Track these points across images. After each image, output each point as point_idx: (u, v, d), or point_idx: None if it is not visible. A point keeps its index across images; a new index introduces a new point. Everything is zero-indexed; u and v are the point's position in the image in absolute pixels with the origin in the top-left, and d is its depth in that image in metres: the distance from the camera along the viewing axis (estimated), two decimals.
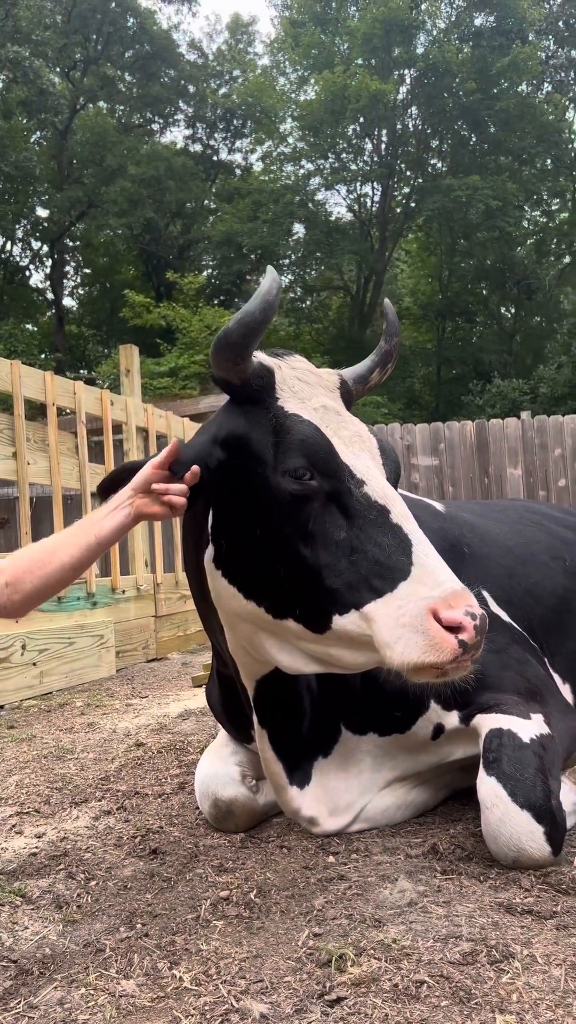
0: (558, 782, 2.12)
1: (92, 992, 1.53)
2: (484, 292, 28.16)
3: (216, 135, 29.47)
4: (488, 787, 1.99)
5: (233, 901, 1.88)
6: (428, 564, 1.69)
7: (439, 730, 2.26)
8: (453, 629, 1.59)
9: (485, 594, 2.58)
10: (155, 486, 1.82)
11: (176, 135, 42.97)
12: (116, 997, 1.51)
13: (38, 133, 26.26)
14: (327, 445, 1.78)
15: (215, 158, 29.59)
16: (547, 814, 1.97)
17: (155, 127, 28.57)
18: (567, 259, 28.33)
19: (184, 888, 1.98)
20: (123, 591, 5.95)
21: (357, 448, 1.82)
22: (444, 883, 1.92)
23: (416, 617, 1.62)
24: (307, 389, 1.88)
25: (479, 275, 27.30)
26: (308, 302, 30.17)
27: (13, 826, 2.49)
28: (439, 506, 2.85)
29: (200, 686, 4.70)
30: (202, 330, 17.75)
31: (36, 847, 2.30)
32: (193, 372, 16.56)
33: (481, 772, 2.03)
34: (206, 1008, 1.46)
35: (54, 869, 2.12)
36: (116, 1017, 1.45)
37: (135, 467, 1.92)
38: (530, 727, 2.17)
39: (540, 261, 27.93)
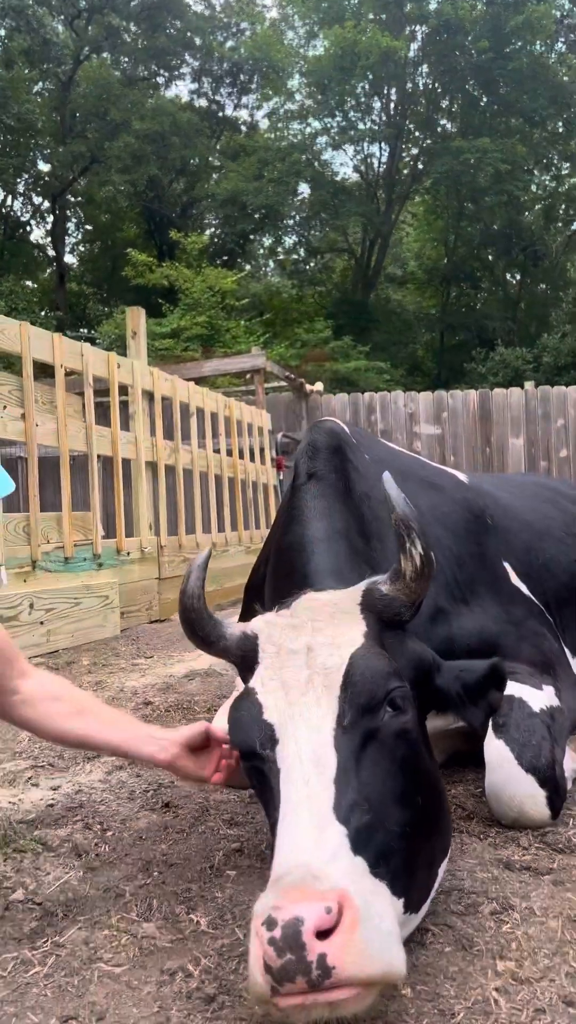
0: (563, 752, 2.21)
1: (115, 933, 1.62)
2: (490, 258, 27.87)
3: (222, 90, 28.88)
4: (495, 749, 2.07)
5: (245, 853, 1.97)
6: (279, 847, 1.35)
7: None
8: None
9: (506, 566, 2.65)
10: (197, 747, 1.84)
11: (181, 89, 42.07)
12: (138, 938, 1.60)
13: (40, 84, 25.71)
14: (247, 725, 1.57)
15: (220, 114, 29.03)
16: (550, 780, 2.05)
17: (160, 80, 27.98)
18: (575, 226, 27.98)
19: (197, 840, 2.07)
20: (128, 553, 6.02)
21: (302, 696, 1.55)
22: None
23: (251, 934, 1.23)
24: (288, 636, 1.67)
25: (485, 240, 26.98)
26: (312, 264, 29.83)
27: (29, 778, 2.58)
28: (463, 477, 2.91)
29: None
30: (205, 291, 17.58)
31: (53, 799, 2.38)
32: (195, 334, 16.44)
33: (489, 734, 2.11)
34: (224, 949, 1.54)
35: (71, 820, 2.21)
36: (139, 956, 1.54)
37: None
38: (541, 697, 2.25)
39: (548, 227, 27.59)
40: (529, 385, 10.38)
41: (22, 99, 22.95)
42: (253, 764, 1.55)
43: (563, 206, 27.84)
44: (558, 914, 1.63)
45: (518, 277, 28.70)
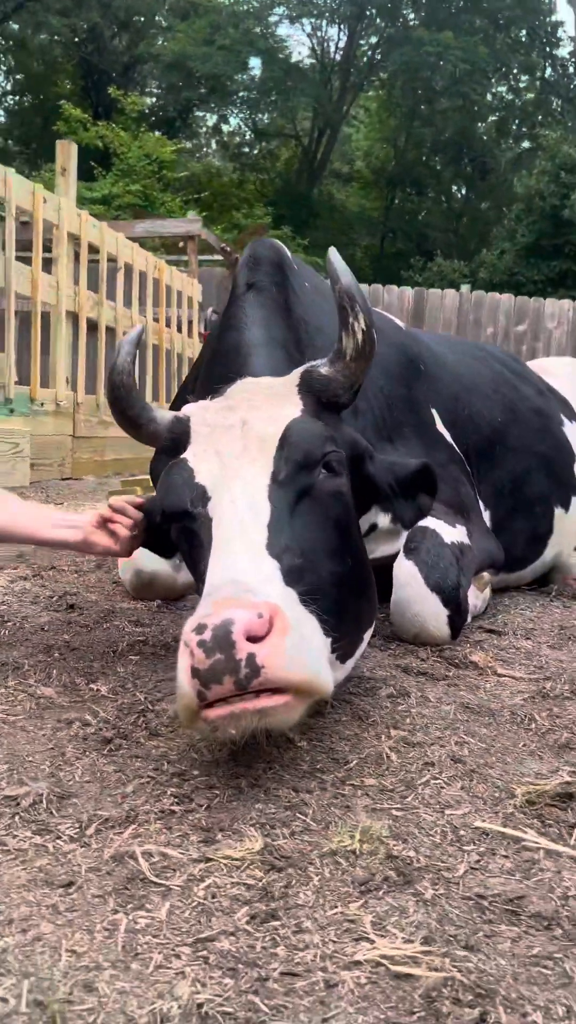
0: (468, 583, 2.26)
1: (11, 693, 1.59)
2: (438, 167, 27.24)
3: None
4: (404, 568, 2.10)
5: (149, 643, 1.96)
6: (211, 573, 1.36)
7: (372, 528, 2.33)
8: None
9: (434, 412, 2.65)
10: (107, 515, 1.80)
11: None
12: (35, 697, 1.57)
13: None
14: (179, 487, 1.55)
15: None
16: (454, 601, 2.11)
17: None
18: (526, 143, 27.55)
19: (101, 633, 2.04)
20: (42, 404, 5.78)
21: (236, 459, 1.54)
22: None
23: (179, 654, 1.23)
24: (222, 416, 1.63)
25: (436, 147, 26.30)
26: (256, 149, 28.50)
27: None
28: (400, 323, 2.88)
29: None
30: (141, 158, 16.57)
31: None
32: (128, 202, 15.56)
33: (400, 557, 2.14)
34: (123, 707, 1.54)
35: None
36: (35, 710, 1.52)
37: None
38: (453, 533, 2.29)
39: (499, 142, 27.08)
40: (464, 289, 10.34)
41: None
42: (183, 525, 1.53)
43: (517, 121, 27.32)
44: (451, 702, 1.69)
45: (464, 191, 28.25)
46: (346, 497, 1.60)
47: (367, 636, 1.65)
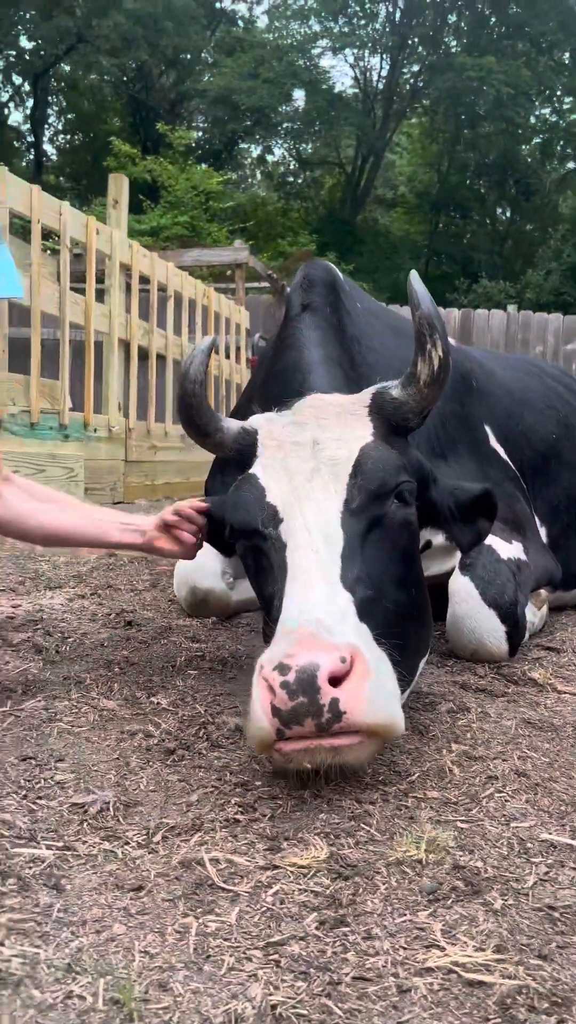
0: (526, 599, 2.24)
1: (75, 705, 1.62)
2: (482, 189, 27.23)
3: None
4: (460, 584, 2.09)
5: (207, 659, 1.98)
6: (288, 606, 1.34)
7: (427, 545, 2.32)
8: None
9: (487, 428, 2.65)
10: (168, 518, 1.84)
11: None
12: (98, 709, 1.60)
13: None
14: (250, 504, 1.56)
15: (218, 5, 27.47)
16: (511, 616, 2.09)
17: None
18: (571, 164, 27.41)
19: (159, 648, 2.07)
20: (95, 429, 5.90)
21: (309, 482, 1.53)
22: None
23: (255, 684, 1.25)
24: (291, 432, 1.64)
25: (479, 170, 26.32)
26: (301, 178, 28.88)
27: None
28: (452, 341, 2.89)
29: None
30: (188, 190, 16.91)
31: (13, 613, 2.36)
32: (176, 233, 15.88)
33: (456, 573, 2.13)
34: (183, 719, 1.56)
35: (31, 627, 2.20)
36: (99, 721, 1.54)
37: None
38: (509, 549, 2.27)
39: (544, 163, 26.98)
40: (512, 309, 10.29)
41: None
42: (252, 543, 1.55)
43: (561, 143, 27.18)
44: (512, 717, 1.67)
45: (508, 213, 28.18)
46: (414, 527, 1.61)
47: (423, 662, 1.65)
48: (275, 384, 2.10)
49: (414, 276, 1.69)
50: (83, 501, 5.60)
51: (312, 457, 1.56)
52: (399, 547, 1.53)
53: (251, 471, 1.61)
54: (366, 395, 1.69)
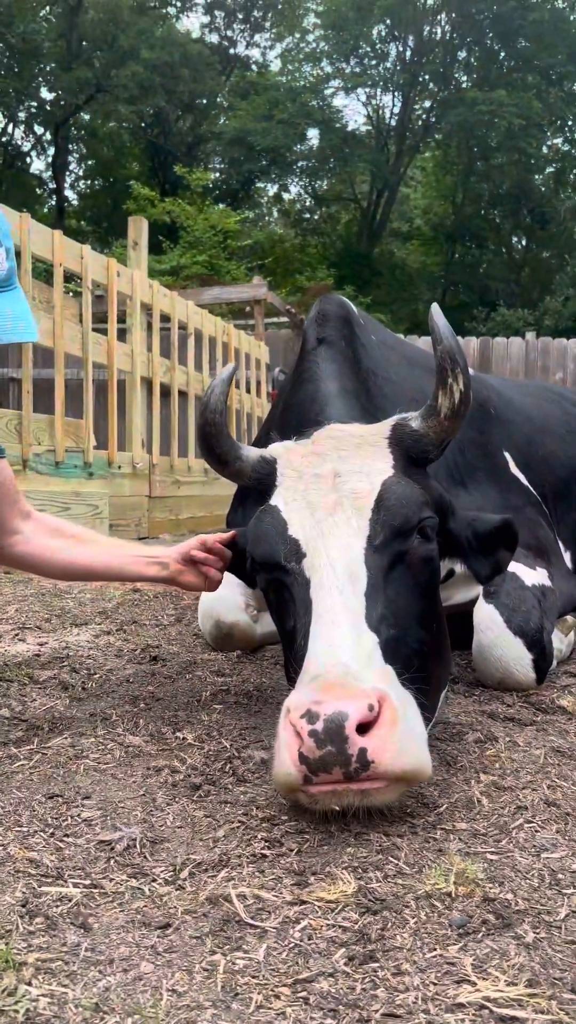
0: (552, 626, 2.22)
1: (101, 742, 1.62)
2: (497, 219, 27.43)
3: (235, 25, 28.01)
4: (485, 612, 2.08)
5: (232, 692, 1.98)
6: (314, 648, 1.34)
7: (449, 574, 2.31)
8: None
9: (507, 455, 2.65)
10: (194, 554, 1.84)
11: (192, 22, 40.74)
12: (124, 746, 1.60)
13: (47, 8, 24.83)
14: (272, 538, 1.56)
15: (232, 51, 28.20)
16: (538, 644, 2.07)
17: (171, 11, 27.09)
18: None
19: (184, 683, 2.07)
20: (119, 466, 5.97)
21: (331, 516, 1.54)
22: None
23: (281, 728, 1.25)
24: (312, 462, 1.64)
25: (494, 200, 26.55)
26: (317, 215, 29.32)
27: (16, 635, 2.57)
28: (470, 369, 2.91)
29: None
30: (206, 229, 17.24)
31: (39, 650, 2.38)
32: (195, 272, 16.16)
33: (480, 601, 2.11)
34: (210, 754, 1.55)
35: (58, 664, 2.21)
36: (125, 757, 1.55)
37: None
38: (534, 575, 2.25)
39: (557, 191, 27.16)
40: (530, 336, 10.31)
41: (28, 19, 22.19)
42: (274, 576, 1.55)
43: (574, 171, 27.39)
44: (541, 746, 1.65)
45: (524, 241, 28.34)
46: (436, 563, 1.60)
47: (443, 697, 1.65)
48: (293, 416, 2.12)
49: (435, 309, 1.70)
50: (104, 529, 5.63)
51: (334, 490, 1.56)
52: (421, 584, 1.53)
53: (272, 502, 1.62)
54: (385, 426, 1.69)
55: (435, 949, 0.95)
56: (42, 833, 1.24)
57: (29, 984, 0.88)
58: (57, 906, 1.04)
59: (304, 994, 0.87)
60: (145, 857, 1.18)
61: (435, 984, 0.88)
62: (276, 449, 1.73)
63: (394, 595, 1.45)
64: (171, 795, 1.38)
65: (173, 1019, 0.84)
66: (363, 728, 1.18)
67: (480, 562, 1.79)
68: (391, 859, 1.16)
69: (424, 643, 1.48)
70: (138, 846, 1.20)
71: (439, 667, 1.57)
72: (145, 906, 1.05)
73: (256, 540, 1.59)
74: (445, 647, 1.63)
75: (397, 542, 1.50)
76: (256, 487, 1.71)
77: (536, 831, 1.26)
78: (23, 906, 1.04)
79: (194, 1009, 0.85)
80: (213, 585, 1.88)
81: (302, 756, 1.18)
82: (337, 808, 1.22)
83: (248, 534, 1.66)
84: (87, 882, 1.10)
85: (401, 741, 1.19)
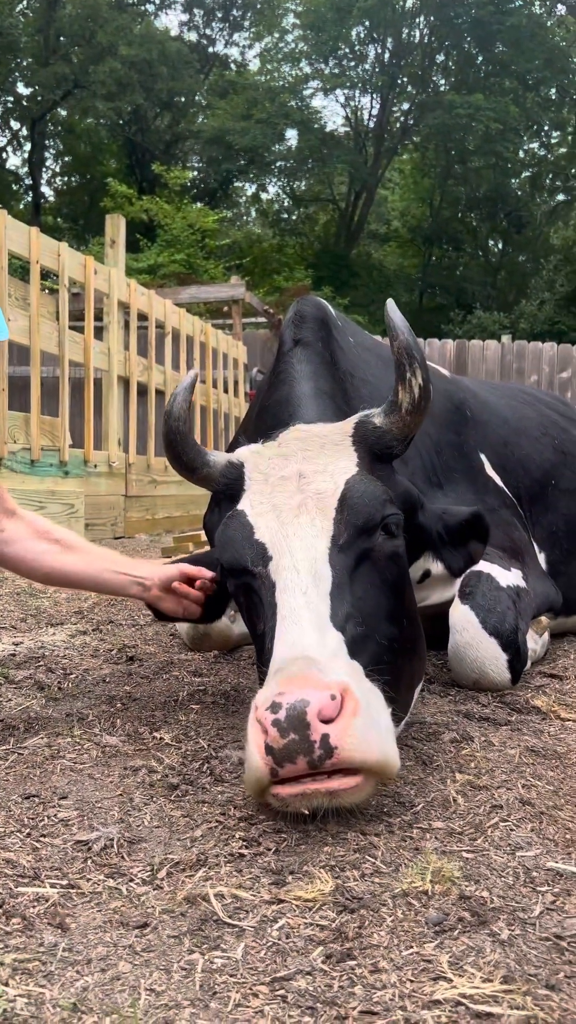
0: (527, 627, 2.24)
1: (78, 742, 1.62)
2: (474, 223, 27.66)
3: (214, 24, 27.97)
4: (460, 613, 2.10)
5: (209, 693, 1.98)
6: (278, 649, 1.34)
7: (425, 575, 2.33)
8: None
9: (482, 457, 2.67)
10: (176, 586, 1.82)
11: (171, 20, 40.68)
12: (100, 746, 1.60)
13: (24, 2, 24.62)
14: (239, 544, 1.56)
15: (211, 50, 28.16)
16: (513, 644, 2.09)
17: (150, 8, 26.99)
18: (561, 196, 27.86)
19: (162, 684, 2.07)
20: (95, 465, 5.94)
21: (296, 518, 1.54)
22: None
23: (249, 725, 1.25)
24: (277, 464, 1.65)
25: (471, 204, 26.76)
26: (295, 215, 29.35)
27: None
28: (444, 371, 2.93)
29: (170, 557, 4.76)
30: (184, 228, 17.18)
31: (15, 650, 2.37)
32: (172, 271, 16.08)
33: (456, 602, 2.13)
34: (187, 754, 1.55)
35: (34, 664, 2.20)
36: (102, 757, 1.54)
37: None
38: (509, 576, 2.27)
39: (533, 196, 27.44)
40: (506, 339, 10.40)
41: (4, 14, 22.00)
42: (243, 581, 1.55)
43: (550, 175, 27.67)
44: (516, 746, 1.67)
45: (500, 245, 28.58)
46: (402, 559, 1.60)
47: (418, 692, 1.65)
48: (267, 417, 2.13)
49: (391, 305, 1.71)
50: (83, 538, 5.60)
51: (299, 491, 1.57)
52: (388, 580, 1.53)
53: (239, 507, 1.62)
54: (349, 424, 1.70)
55: (412, 947, 0.95)
56: (18, 833, 1.23)
57: (6, 985, 0.88)
58: (34, 906, 1.04)
59: (282, 992, 0.87)
60: (122, 857, 1.17)
61: (412, 981, 0.89)
62: (243, 453, 1.74)
63: (361, 593, 1.46)
64: (148, 795, 1.38)
65: (151, 1018, 0.84)
66: (327, 720, 1.18)
67: (452, 555, 1.81)
68: (368, 858, 1.17)
69: (393, 639, 1.48)
70: (115, 846, 1.20)
71: (411, 663, 1.57)
72: (123, 906, 1.05)
73: (223, 546, 1.59)
74: (419, 644, 1.64)
75: (361, 540, 1.51)
76: (225, 492, 1.71)
77: (511, 830, 1.27)
78: None
79: (172, 1008, 0.85)
80: (190, 617, 1.86)
81: (267, 747, 1.18)
82: (306, 811, 1.22)
83: (215, 540, 1.66)
84: (64, 882, 1.10)
85: (364, 731, 1.20)
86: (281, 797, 1.21)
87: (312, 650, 1.29)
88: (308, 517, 1.52)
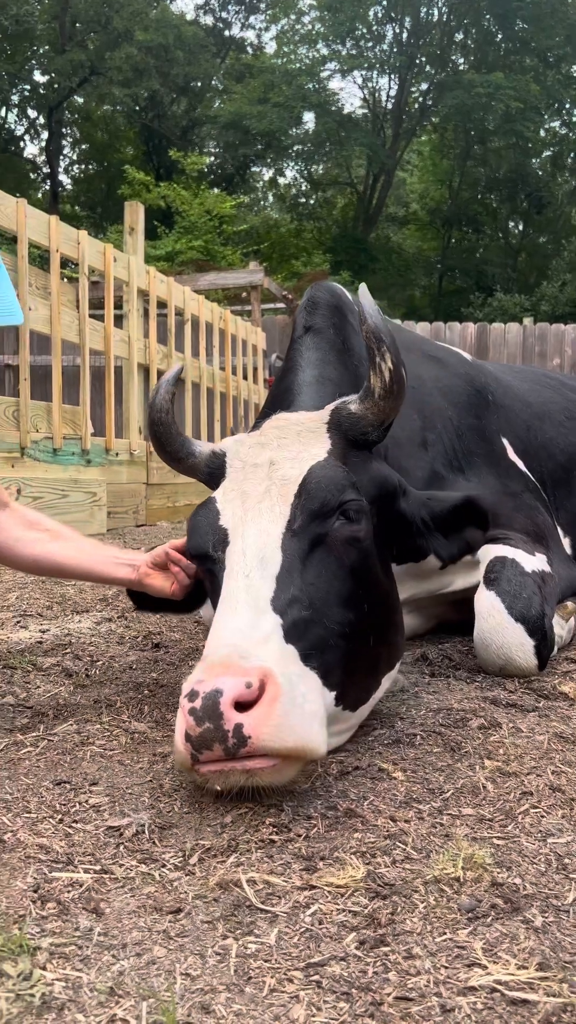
0: (552, 611, 2.22)
1: (107, 728, 1.63)
2: (494, 204, 27.33)
3: (229, 7, 27.75)
4: (486, 599, 2.08)
5: None
6: (211, 632, 1.37)
7: (451, 560, 2.30)
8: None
9: (504, 441, 2.65)
10: (169, 553, 1.79)
11: (187, 4, 40.39)
12: (129, 732, 1.61)
13: None
14: (203, 530, 1.58)
15: (227, 33, 27.96)
16: (539, 630, 2.07)
17: None
18: None
19: (187, 670, 2.07)
20: (116, 453, 5.96)
21: (258, 504, 1.55)
22: (434, 681, 2.04)
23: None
24: (253, 453, 1.67)
25: (491, 185, 26.43)
26: (313, 199, 29.15)
27: (18, 622, 2.58)
28: (467, 356, 2.91)
29: None
30: (202, 214, 17.14)
31: (42, 638, 2.39)
32: (190, 258, 16.06)
33: (481, 588, 2.12)
34: None
35: (61, 652, 2.22)
36: (131, 744, 1.55)
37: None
38: (533, 561, 2.26)
39: (555, 175, 27.04)
40: (527, 321, 10.29)
41: (20, 1, 21.95)
42: (206, 567, 1.56)
43: (572, 154, 27.24)
44: (544, 732, 1.66)
45: (521, 226, 28.23)
46: (364, 543, 1.57)
47: (387, 679, 1.63)
48: (272, 405, 2.13)
49: (363, 290, 1.70)
50: (104, 524, 5.64)
51: (267, 478, 1.58)
52: (345, 565, 1.51)
53: (213, 495, 1.64)
54: (325, 412, 1.71)
55: (445, 933, 0.95)
56: (51, 819, 1.24)
57: (44, 968, 0.89)
58: (68, 891, 1.05)
59: (317, 978, 0.88)
60: (154, 843, 1.18)
61: (446, 968, 0.89)
62: (227, 443, 1.76)
63: (312, 578, 1.45)
64: (178, 781, 1.38)
65: (187, 1002, 0.84)
66: (245, 706, 1.19)
67: (439, 542, 1.80)
68: (399, 844, 1.17)
69: (348, 625, 1.46)
70: (147, 832, 1.21)
71: (375, 648, 1.55)
72: (156, 891, 1.06)
73: (190, 532, 1.61)
74: (387, 627, 1.62)
75: (315, 525, 1.50)
76: (209, 481, 1.72)
77: (542, 816, 1.27)
78: (35, 891, 1.04)
79: (208, 993, 0.86)
80: (180, 591, 1.82)
81: (187, 735, 1.21)
82: (219, 788, 1.24)
83: (187, 526, 1.67)
84: (97, 867, 1.11)
85: (282, 716, 1.20)
86: (202, 773, 1.24)
87: (241, 635, 1.30)
88: (269, 503, 1.54)
